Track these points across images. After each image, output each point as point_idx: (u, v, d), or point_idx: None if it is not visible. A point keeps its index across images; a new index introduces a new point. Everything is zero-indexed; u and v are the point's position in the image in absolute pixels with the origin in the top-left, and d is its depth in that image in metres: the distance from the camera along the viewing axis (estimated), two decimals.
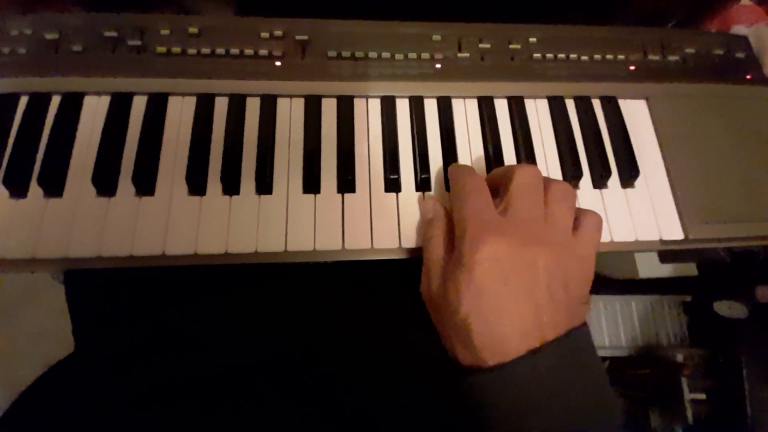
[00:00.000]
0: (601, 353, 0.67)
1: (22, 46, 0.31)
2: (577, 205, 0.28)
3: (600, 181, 0.33)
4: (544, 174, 0.32)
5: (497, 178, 0.28)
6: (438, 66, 0.35)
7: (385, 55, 0.34)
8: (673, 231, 0.32)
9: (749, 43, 0.39)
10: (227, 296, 0.35)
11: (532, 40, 0.36)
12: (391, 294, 0.36)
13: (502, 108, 0.35)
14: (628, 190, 0.33)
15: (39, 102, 0.31)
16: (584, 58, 0.36)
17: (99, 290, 0.34)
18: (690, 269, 0.79)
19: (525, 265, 0.23)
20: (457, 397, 0.23)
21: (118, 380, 0.30)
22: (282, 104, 0.32)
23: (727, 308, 0.70)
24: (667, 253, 0.64)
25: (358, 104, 0.33)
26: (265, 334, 0.34)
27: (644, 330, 0.70)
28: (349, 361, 0.34)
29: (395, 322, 0.35)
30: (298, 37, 0.33)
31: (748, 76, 0.37)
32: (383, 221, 0.30)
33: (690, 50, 0.38)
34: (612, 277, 0.75)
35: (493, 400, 0.22)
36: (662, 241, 0.32)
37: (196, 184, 0.29)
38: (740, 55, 0.38)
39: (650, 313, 0.72)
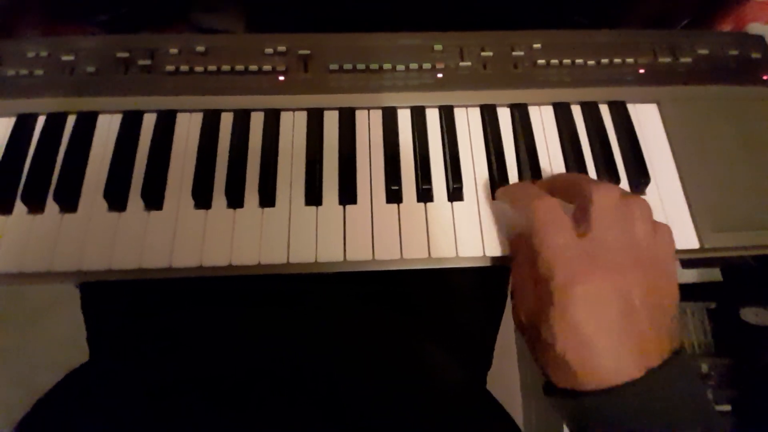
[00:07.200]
0: None
1: (40, 68, 0.33)
2: None
3: None
4: None
5: (564, 190, 0.27)
6: (440, 76, 0.35)
7: (386, 66, 0.34)
8: (687, 240, 0.31)
9: (765, 43, 0.37)
10: (239, 305, 0.35)
11: (536, 46, 0.36)
12: (392, 303, 0.35)
13: (505, 116, 0.34)
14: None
15: (55, 121, 0.32)
16: (591, 62, 0.36)
17: (113, 300, 0.35)
18: (714, 274, 0.76)
19: (621, 297, 0.22)
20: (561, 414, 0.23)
21: (132, 388, 0.31)
22: (285, 118, 0.33)
23: (755, 315, 0.67)
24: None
25: (360, 116, 0.34)
26: (279, 344, 0.34)
27: None
28: (351, 366, 0.34)
29: (395, 330, 0.35)
30: (300, 52, 0.34)
31: (765, 77, 0.36)
32: (385, 232, 0.30)
33: (703, 51, 0.37)
34: None
35: (600, 420, 0.22)
36: (676, 251, 0.31)
37: (202, 198, 0.30)
38: (756, 55, 0.37)
39: None
